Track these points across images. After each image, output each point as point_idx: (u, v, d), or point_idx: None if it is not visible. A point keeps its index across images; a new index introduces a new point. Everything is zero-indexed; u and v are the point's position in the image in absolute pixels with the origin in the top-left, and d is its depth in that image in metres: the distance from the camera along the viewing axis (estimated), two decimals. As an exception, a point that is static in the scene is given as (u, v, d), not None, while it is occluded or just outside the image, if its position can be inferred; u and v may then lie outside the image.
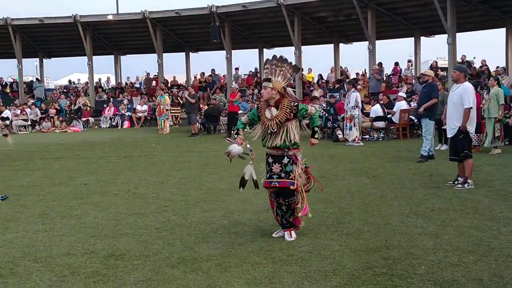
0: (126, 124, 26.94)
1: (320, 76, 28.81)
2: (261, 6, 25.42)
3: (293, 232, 6.08)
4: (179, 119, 25.66)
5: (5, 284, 4.87)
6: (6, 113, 25.81)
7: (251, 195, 8.56)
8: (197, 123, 21.52)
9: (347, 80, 22.94)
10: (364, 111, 17.99)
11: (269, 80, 6.06)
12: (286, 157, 5.99)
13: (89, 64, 29.41)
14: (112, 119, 27.38)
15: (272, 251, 5.58)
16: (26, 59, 31.45)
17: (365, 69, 25.96)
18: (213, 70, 30.92)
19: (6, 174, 11.70)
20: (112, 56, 33.39)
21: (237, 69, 30.07)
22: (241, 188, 6.28)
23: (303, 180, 6.11)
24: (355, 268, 4.99)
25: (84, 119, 27.02)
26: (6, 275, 5.11)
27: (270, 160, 6.09)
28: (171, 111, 24.49)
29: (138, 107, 27.43)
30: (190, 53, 32.04)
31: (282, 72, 6.08)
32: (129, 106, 27.89)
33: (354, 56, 78.17)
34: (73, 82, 37.82)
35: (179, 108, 25.54)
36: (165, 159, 13.73)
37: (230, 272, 5.00)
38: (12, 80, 34.88)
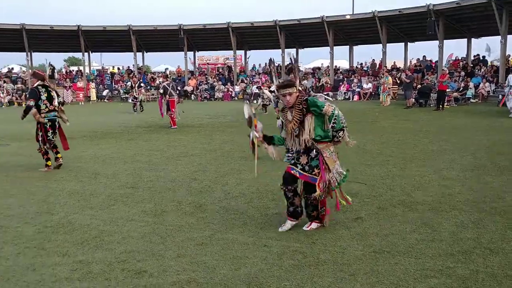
0: (356, 97, 26.76)
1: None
2: (473, 2, 22.82)
3: (313, 224, 4.52)
4: (396, 94, 24.63)
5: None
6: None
7: (458, 156, 7.97)
8: (412, 98, 20.47)
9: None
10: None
11: (292, 85, 4.44)
12: (314, 150, 4.38)
13: (331, 53, 29.69)
14: (346, 94, 27.47)
15: (478, 203, 5.15)
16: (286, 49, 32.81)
17: None
18: (424, 56, 28.92)
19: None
20: (347, 46, 33.14)
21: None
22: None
23: (331, 176, 4.36)
24: (554, 225, 4.35)
25: (325, 93, 27.40)
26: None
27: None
28: (392, 89, 23.62)
29: (365, 85, 27.03)
30: (408, 43, 30.26)
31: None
32: (358, 84, 27.59)
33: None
34: (318, 67, 38.09)
35: (397, 86, 24.51)
36: (386, 125, 13.38)
37: (441, 215, 4.76)
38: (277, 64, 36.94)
